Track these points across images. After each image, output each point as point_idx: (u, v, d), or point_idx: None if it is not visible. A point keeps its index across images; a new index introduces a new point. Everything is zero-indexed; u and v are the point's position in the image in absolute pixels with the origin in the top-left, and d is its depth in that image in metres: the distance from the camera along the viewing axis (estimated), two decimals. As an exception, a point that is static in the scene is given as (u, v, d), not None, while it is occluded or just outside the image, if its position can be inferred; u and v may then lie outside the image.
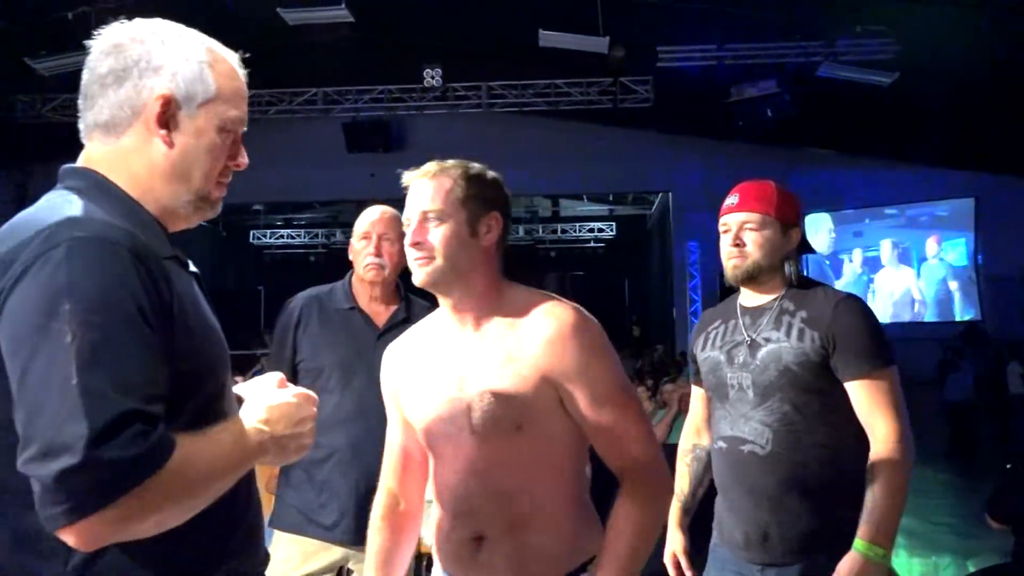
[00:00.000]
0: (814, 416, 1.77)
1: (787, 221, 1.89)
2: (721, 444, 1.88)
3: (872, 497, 1.68)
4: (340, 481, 2.13)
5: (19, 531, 0.95)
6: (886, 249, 12.12)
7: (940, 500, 6.61)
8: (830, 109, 10.18)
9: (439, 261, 1.37)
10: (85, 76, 1.09)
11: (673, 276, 12.81)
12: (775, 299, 1.88)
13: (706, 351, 1.97)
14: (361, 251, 2.29)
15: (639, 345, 13.19)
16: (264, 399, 1.06)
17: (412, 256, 1.39)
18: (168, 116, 1.06)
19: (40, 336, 0.88)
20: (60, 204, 1.01)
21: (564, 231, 16.97)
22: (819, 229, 12.08)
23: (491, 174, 1.44)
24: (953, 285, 11.70)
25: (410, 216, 1.40)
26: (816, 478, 1.75)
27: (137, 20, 1.12)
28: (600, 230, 16.82)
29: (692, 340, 2.09)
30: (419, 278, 1.39)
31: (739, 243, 1.87)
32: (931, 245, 11.86)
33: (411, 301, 2.39)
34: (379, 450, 2.16)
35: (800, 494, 1.75)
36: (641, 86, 10.42)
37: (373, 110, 11.23)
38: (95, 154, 1.10)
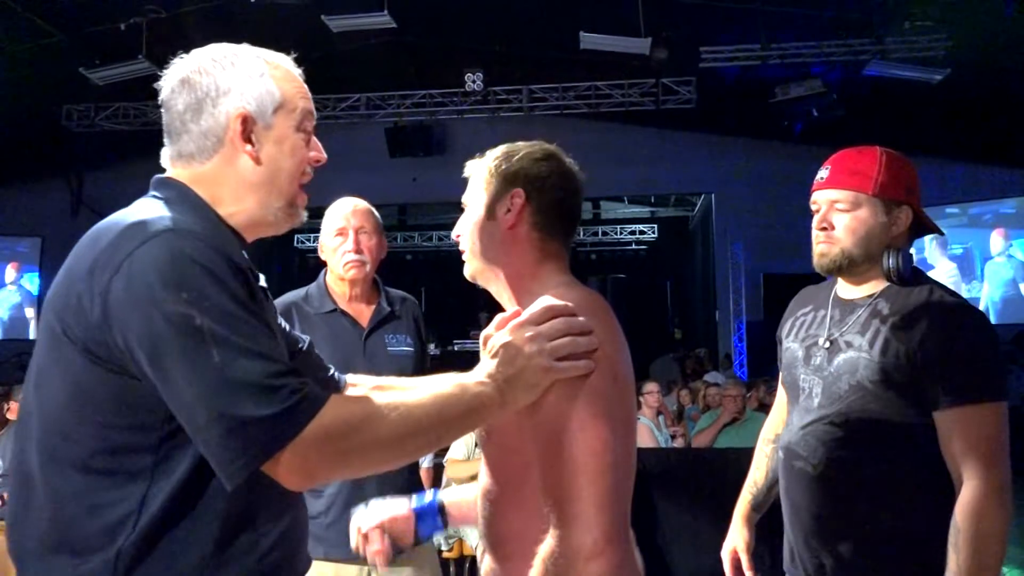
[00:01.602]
0: (877, 441, 1.48)
1: (892, 198, 1.54)
2: (780, 455, 1.67)
3: (956, 560, 1.38)
4: (350, 494, 2.00)
5: (62, 535, 0.99)
6: (928, 244, 11.73)
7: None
8: (878, 108, 9.95)
9: (466, 251, 1.31)
10: (164, 115, 1.17)
11: (716, 278, 12.65)
12: (871, 296, 1.58)
13: (788, 340, 1.72)
14: (338, 248, 2.16)
15: (682, 348, 13.05)
16: (485, 356, 1.12)
17: None
18: (248, 132, 1.13)
19: (166, 324, 0.93)
20: (148, 207, 1.09)
21: (605, 233, 16.87)
22: None
23: (523, 151, 1.31)
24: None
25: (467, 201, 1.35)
26: (871, 509, 1.49)
27: (195, 52, 1.18)
28: (642, 232, 16.67)
29: (782, 321, 1.81)
30: (465, 273, 1.33)
31: (826, 226, 1.57)
32: (996, 241, 11.31)
33: (390, 294, 2.27)
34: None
35: (850, 523, 1.51)
36: (684, 87, 10.31)
37: (415, 115, 11.29)
38: (182, 175, 1.17)
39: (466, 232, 1.31)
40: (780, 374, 1.83)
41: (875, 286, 1.59)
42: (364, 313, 2.22)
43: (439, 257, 15.92)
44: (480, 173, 1.32)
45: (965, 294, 11.44)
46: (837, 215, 1.57)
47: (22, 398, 1.12)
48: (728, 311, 12.20)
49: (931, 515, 1.47)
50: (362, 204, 2.24)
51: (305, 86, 1.22)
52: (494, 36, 10.19)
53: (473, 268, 1.31)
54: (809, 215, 1.66)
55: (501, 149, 1.33)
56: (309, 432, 0.93)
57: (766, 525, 1.87)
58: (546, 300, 1.14)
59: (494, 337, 1.12)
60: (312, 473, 0.96)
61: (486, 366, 1.09)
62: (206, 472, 0.98)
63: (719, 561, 1.83)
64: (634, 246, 16.83)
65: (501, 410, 1.07)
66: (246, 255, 1.15)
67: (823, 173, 1.61)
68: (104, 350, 0.98)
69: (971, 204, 11.57)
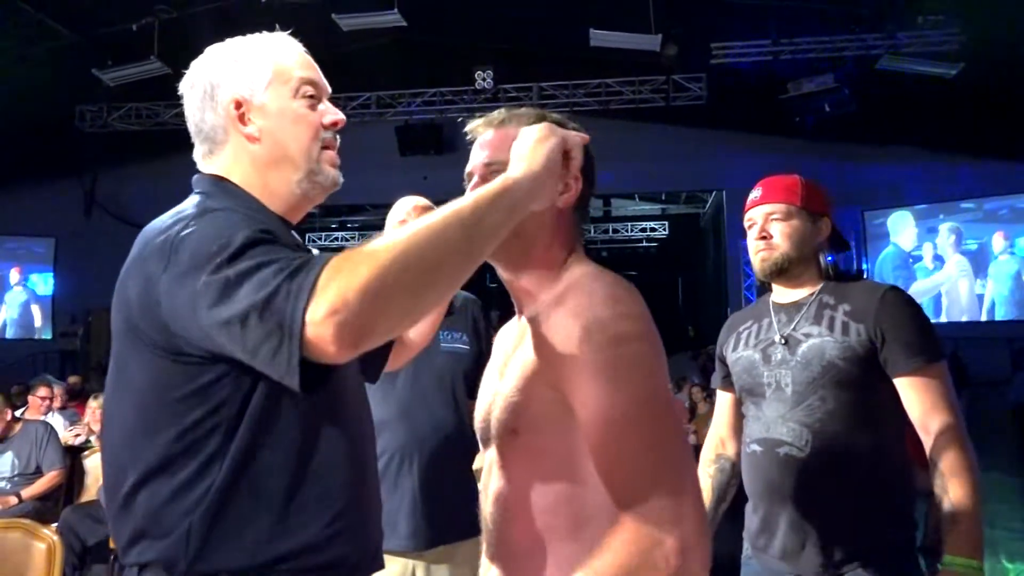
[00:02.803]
0: (856, 416, 1.64)
1: (815, 210, 1.79)
2: (755, 448, 1.74)
3: (951, 505, 1.53)
4: (391, 487, 2.05)
5: (148, 523, 1.05)
6: (943, 235, 11.68)
7: (1003, 504, 6.38)
8: (891, 103, 9.89)
9: None
10: (188, 122, 1.21)
11: (727, 275, 12.62)
12: (811, 293, 1.77)
13: (738, 351, 1.85)
14: None
15: (696, 345, 13.04)
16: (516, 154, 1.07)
17: None
18: (243, 114, 1.16)
19: (205, 289, 0.95)
20: (188, 203, 1.12)
21: (616, 231, 16.86)
22: (905, 227, 11.75)
23: (573, 126, 1.19)
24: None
25: (472, 170, 1.17)
26: (857, 484, 1.63)
27: (202, 56, 1.22)
28: (652, 229, 16.66)
29: (721, 342, 1.97)
30: None
31: (766, 235, 1.79)
32: (997, 240, 11.39)
33: None
34: (432, 448, 2.15)
35: (840, 500, 1.63)
36: (694, 83, 10.28)
37: (425, 113, 11.33)
38: (218, 165, 1.20)
39: None
40: (719, 390, 2.00)
41: (812, 286, 1.80)
42: None
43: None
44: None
45: (976, 290, 11.41)
46: (774, 224, 1.80)
47: (104, 403, 1.18)
48: (739, 308, 12.16)
49: (906, 475, 1.66)
50: (423, 201, 2.28)
51: (304, 57, 1.23)
52: (504, 34, 10.20)
53: (508, 251, 1.12)
54: None
55: (538, 115, 1.19)
56: (325, 282, 0.89)
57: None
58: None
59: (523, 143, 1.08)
60: (353, 325, 0.89)
61: (510, 164, 1.06)
62: (264, 451, 1.04)
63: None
64: (645, 243, 16.83)
65: (527, 205, 1.03)
66: (295, 235, 1.19)
67: (755, 194, 1.86)
68: (171, 342, 1.02)
69: (987, 199, 11.50)
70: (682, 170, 12.36)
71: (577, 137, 1.14)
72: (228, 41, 1.21)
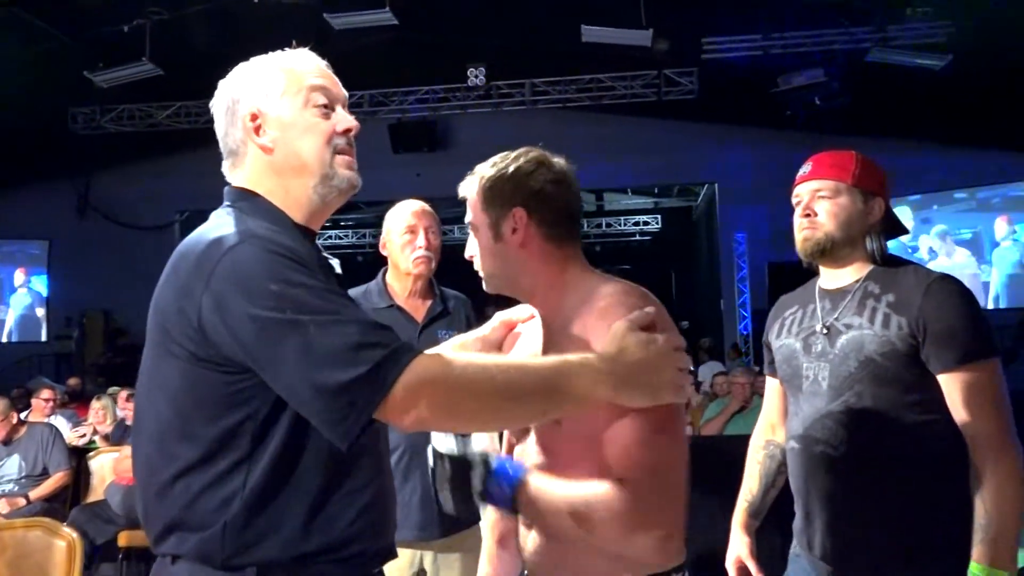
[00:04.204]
0: (896, 414, 1.55)
1: (868, 189, 1.67)
2: (793, 444, 1.70)
3: (984, 511, 1.47)
4: (403, 480, 2.10)
5: (182, 518, 1.11)
6: (935, 239, 11.70)
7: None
8: (881, 95, 9.93)
9: (488, 275, 1.33)
10: (218, 137, 1.28)
11: (720, 268, 12.65)
12: (858, 281, 1.66)
13: (781, 338, 1.78)
14: (407, 244, 2.28)
15: (689, 337, 13.07)
16: (616, 338, 1.13)
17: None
18: (258, 126, 1.21)
19: (254, 326, 1.03)
20: (225, 220, 1.18)
21: (609, 225, 16.88)
22: (904, 220, 11.74)
23: (512, 167, 1.30)
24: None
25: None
26: (895, 486, 1.56)
27: (230, 74, 1.27)
28: (645, 223, 16.67)
29: (767, 327, 1.89)
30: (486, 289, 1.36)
31: (810, 213, 1.67)
32: (1000, 226, 11.29)
33: (444, 293, 2.38)
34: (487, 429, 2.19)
35: (880, 502, 1.56)
36: (686, 78, 10.31)
37: (418, 111, 11.33)
38: (242, 177, 1.26)
39: (482, 257, 1.34)
40: (768, 376, 1.93)
41: (858, 271, 1.69)
42: (420, 309, 2.32)
43: (444, 251, 15.88)
44: (476, 195, 1.33)
45: (979, 278, 11.45)
46: (819, 202, 1.67)
47: (135, 407, 1.25)
48: (733, 300, 12.21)
49: (951, 477, 1.55)
50: (425, 205, 2.36)
51: (318, 67, 1.27)
52: (496, 31, 10.19)
53: (492, 286, 1.34)
54: None
55: (488, 167, 1.33)
56: (412, 374, 1.01)
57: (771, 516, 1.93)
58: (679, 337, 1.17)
59: (628, 325, 1.12)
60: (422, 413, 1.02)
61: (618, 351, 1.10)
62: (299, 449, 1.10)
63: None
64: (638, 237, 16.85)
65: (607, 398, 1.11)
66: (319, 246, 1.27)
67: (805, 169, 1.73)
68: (208, 354, 1.08)
69: (979, 188, 11.54)
70: (674, 164, 12.38)
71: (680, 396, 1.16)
72: (252, 59, 1.27)
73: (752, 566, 1.83)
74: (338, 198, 1.25)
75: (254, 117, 1.21)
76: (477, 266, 1.35)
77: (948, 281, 1.59)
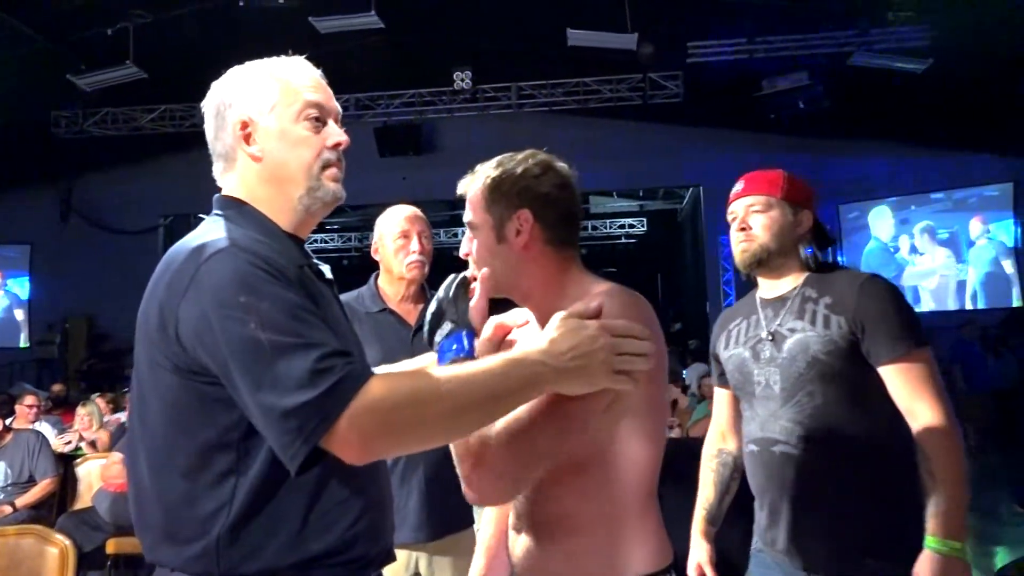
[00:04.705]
0: (846, 409, 1.66)
1: (795, 201, 1.79)
2: (752, 447, 1.78)
3: (935, 488, 1.56)
4: (400, 482, 2.10)
5: (171, 530, 1.11)
6: (918, 236, 11.86)
7: (990, 491, 6.50)
8: (863, 99, 10.03)
9: (487, 275, 1.30)
10: (208, 139, 1.27)
11: (706, 270, 12.72)
12: (795, 288, 1.78)
13: (729, 349, 1.87)
14: (400, 249, 2.28)
15: (680, 340, 13.11)
16: (548, 330, 1.11)
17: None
18: (248, 134, 1.21)
19: (225, 337, 1.03)
20: (211, 227, 1.18)
21: (595, 228, 16.92)
22: (884, 220, 11.91)
23: (520, 169, 1.32)
24: (1008, 267, 11.26)
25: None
26: (854, 476, 1.65)
27: (221, 77, 1.27)
28: (631, 226, 16.73)
29: (713, 340, 1.99)
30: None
31: (745, 227, 1.80)
32: (975, 226, 11.49)
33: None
34: (436, 447, 2.19)
35: (838, 495, 1.65)
36: (671, 81, 10.37)
37: (404, 114, 11.32)
38: (232, 190, 1.26)
39: (480, 257, 1.33)
40: (717, 387, 2.03)
41: (795, 279, 1.80)
42: (412, 313, 2.31)
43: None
44: (478, 194, 1.32)
45: (956, 278, 11.58)
46: (753, 216, 1.80)
47: (128, 419, 1.27)
48: (719, 303, 12.28)
49: (899, 461, 1.65)
50: (416, 209, 2.37)
51: (314, 79, 1.26)
52: (482, 34, 10.21)
53: (493, 288, 1.30)
54: None
55: (493, 166, 1.33)
56: (358, 405, 0.99)
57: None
58: (626, 324, 1.13)
59: (565, 315, 1.10)
60: (368, 446, 1.01)
61: (549, 341, 1.07)
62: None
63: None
64: (624, 240, 16.90)
65: (550, 390, 1.10)
66: (308, 251, 1.26)
67: (738, 187, 1.86)
68: (186, 363, 1.09)
69: (955, 190, 11.71)
70: (660, 167, 12.44)
71: (627, 382, 1.11)
72: (247, 64, 1.26)
73: (710, 572, 1.92)
74: (322, 209, 1.25)
75: (245, 125, 1.22)
76: (470, 266, 1.34)
77: (878, 279, 1.71)
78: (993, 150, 10.94)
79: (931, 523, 1.55)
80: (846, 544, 1.65)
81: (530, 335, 1.37)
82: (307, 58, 1.30)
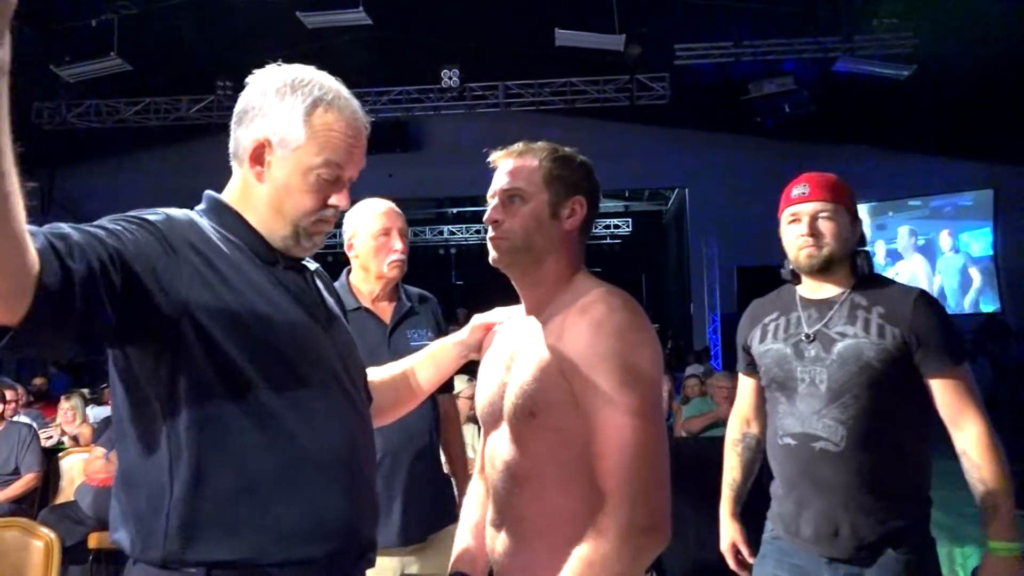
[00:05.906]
0: (888, 414, 1.74)
1: (852, 210, 1.86)
2: (789, 441, 1.83)
3: (988, 496, 1.68)
4: (386, 486, 2.04)
5: (132, 513, 1.10)
6: (903, 237, 12.02)
7: (960, 492, 6.58)
8: (848, 103, 10.13)
9: (516, 241, 1.33)
10: (232, 122, 1.24)
11: (690, 272, 12.79)
12: (843, 292, 1.84)
13: (766, 343, 1.91)
14: (381, 248, 2.21)
15: (663, 340, 13.19)
16: None
17: (490, 234, 1.36)
18: (260, 156, 1.19)
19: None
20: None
21: (582, 229, 16.95)
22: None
23: (581, 158, 1.40)
24: (975, 276, 11.56)
25: (495, 193, 1.37)
26: (890, 476, 1.74)
27: (272, 69, 1.23)
28: (616, 227, 16.78)
29: (744, 331, 2.01)
30: (493, 257, 1.35)
31: (815, 232, 1.83)
32: (944, 238, 11.80)
33: (408, 292, 2.34)
34: (420, 444, 2.15)
35: (872, 492, 1.73)
36: (658, 83, 10.42)
37: (391, 111, 11.30)
38: (232, 182, 1.25)
39: (521, 224, 1.33)
40: (743, 375, 2.08)
41: (841, 284, 1.85)
42: (386, 310, 2.26)
43: (415, 252, 15.74)
44: (537, 166, 1.35)
45: (927, 285, 11.73)
46: (823, 222, 1.83)
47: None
48: (703, 304, 12.35)
49: (919, 461, 1.79)
50: (393, 204, 2.29)
51: (353, 138, 1.23)
52: (470, 33, 10.22)
53: (514, 257, 1.34)
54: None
55: (552, 149, 1.38)
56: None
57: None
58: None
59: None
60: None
61: None
62: (216, 438, 1.08)
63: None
64: (609, 240, 16.94)
65: None
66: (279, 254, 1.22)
67: (803, 189, 1.87)
68: (117, 337, 1.08)
69: (932, 197, 11.88)
70: (646, 168, 12.50)
71: None
72: (307, 77, 1.22)
73: (746, 551, 2.02)
74: (296, 251, 1.23)
75: (262, 145, 1.19)
76: (497, 232, 1.35)
77: (928, 296, 1.80)
78: (974, 156, 11.08)
79: (993, 528, 1.67)
80: (871, 536, 1.74)
81: (511, 331, 1.42)
82: (294, 54, 1.27)
